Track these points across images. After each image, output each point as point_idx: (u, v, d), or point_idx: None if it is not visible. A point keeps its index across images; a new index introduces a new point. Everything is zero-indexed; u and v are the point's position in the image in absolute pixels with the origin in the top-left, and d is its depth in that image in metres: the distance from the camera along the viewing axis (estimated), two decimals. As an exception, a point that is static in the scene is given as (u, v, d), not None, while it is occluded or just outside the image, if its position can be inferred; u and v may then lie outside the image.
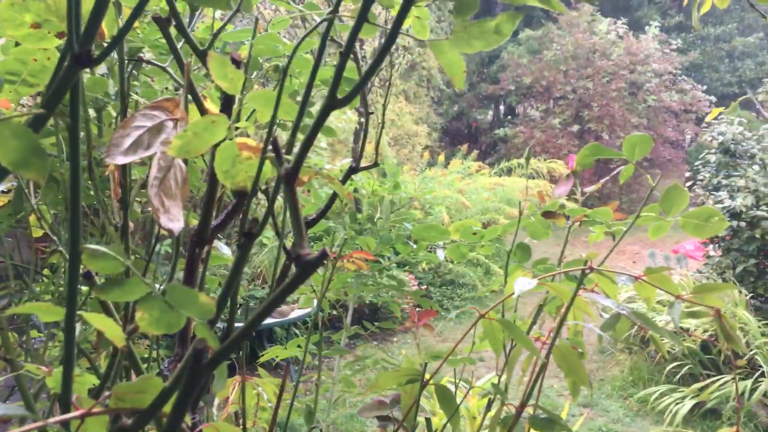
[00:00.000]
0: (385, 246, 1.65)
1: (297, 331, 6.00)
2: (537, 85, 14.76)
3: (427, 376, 0.96)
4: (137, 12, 0.49)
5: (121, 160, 0.51)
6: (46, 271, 1.27)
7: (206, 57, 0.71)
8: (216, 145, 0.56)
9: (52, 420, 0.40)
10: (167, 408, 0.51)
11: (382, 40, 0.53)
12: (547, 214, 1.09)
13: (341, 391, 2.06)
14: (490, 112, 17.78)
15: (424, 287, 7.60)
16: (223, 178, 0.53)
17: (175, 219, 0.50)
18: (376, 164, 1.16)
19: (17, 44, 0.77)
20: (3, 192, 1.29)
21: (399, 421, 0.95)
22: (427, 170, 10.36)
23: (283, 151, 0.51)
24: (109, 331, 0.53)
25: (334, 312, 1.89)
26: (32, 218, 1.34)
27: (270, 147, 0.50)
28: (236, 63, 0.68)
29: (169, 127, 0.52)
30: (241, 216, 0.69)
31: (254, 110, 0.83)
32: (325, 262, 1.26)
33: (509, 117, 17.14)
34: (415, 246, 1.65)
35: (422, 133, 12.87)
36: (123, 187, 0.83)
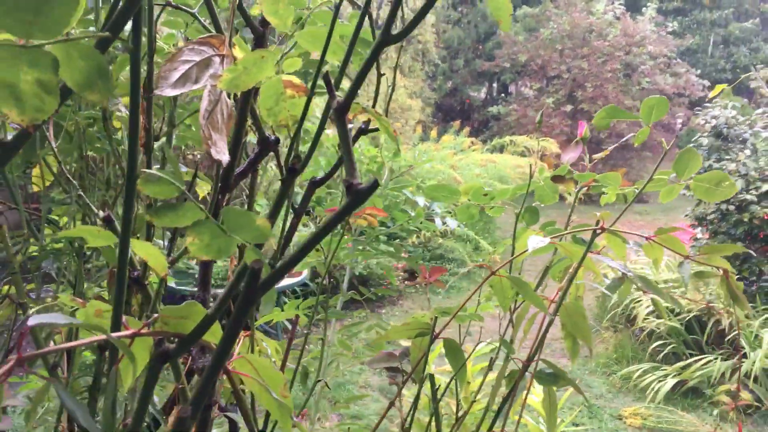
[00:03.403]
0: (386, 212, 1.67)
1: (285, 299, 6.04)
2: (532, 63, 14.74)
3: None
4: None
5: (170, 92, 0.52)
6: (64, 220, 1.28)
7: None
8: (249, 91, 0.57)
9: (115, 334, 0.42)
10: (209, 336, 0.53)
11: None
12: (557, 179, 1.11)
13: (334, 356, 2.09)
14: (484, 90, 17.74)
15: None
16: (266, 116, 0.55)
17: (222, 152, 0.51)
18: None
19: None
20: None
21: (408, 373, 0.98)
22: (419, 144, 10.36)
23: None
24: (152, 260, 0.55)
25: (331, 280, 1.90)
26: (36, 170, 1.35)
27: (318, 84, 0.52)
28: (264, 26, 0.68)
29: (217, 62, 0.53)
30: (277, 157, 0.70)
31: (284, 55, 0.84)
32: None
33: (503, 95, 17.12)
34: (413, 214, 1.67)
35: (416, 108, 12.85)
36: (148, 132, 0.84)
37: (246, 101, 0.69)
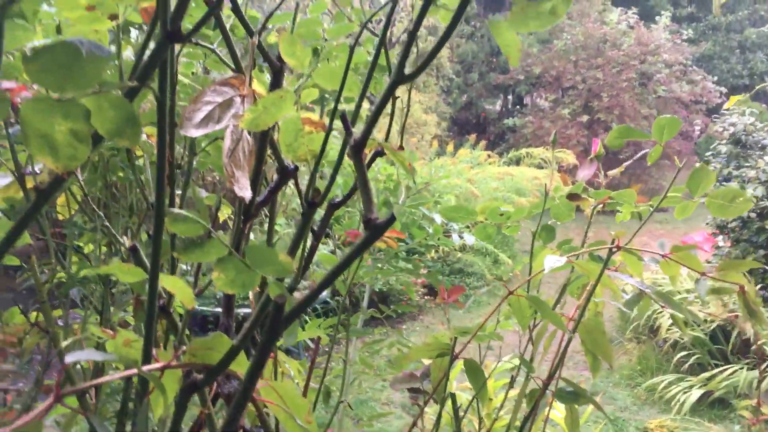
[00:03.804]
0: (403, 230, 1.69)
1: (306, 318, 6.05)
2: (546, 74, 14.73)
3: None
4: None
5: (194, 132, 0.55)
6: (89, 247, 1.31)
7: (256, 35, 0.75)
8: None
9: (146, 367, 0.44)
10: (235, 366, 0.55)
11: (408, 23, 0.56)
12: (572, 197, 1.13)
13: (356, 374, 2.10)
14: (499, 102, 17.75)
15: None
16: (286, 151, 0.57)
17: (244, 188, 0.53)
18: (401, 147, 1.19)
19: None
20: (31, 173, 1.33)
21: (429, 394, 0.99)
22: (436, 159, 10.38)
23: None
24: (179, 293, 0.57)
25: (351, 296, 1.92)
26: (61, 199, 1.38)
27: (332, 122, 0.54)
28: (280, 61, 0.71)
29: (238, 102, 0.56)
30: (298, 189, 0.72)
31: (298, 88, 0.86)
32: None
33: (518, 107, 17.11)
34: (431, 231, 1.68)
35: (431, 123, 12.88)
36: (171, 164, 0.87)
37: (265, 136, 0.72)
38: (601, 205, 1.15)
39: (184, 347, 0.50)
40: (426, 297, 7.37)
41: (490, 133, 16.11)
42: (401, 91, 1.04)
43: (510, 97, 17.84)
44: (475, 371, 1.00)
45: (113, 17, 0.84)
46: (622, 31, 14.20)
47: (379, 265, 2.13)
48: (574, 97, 14.33)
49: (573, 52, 14.40)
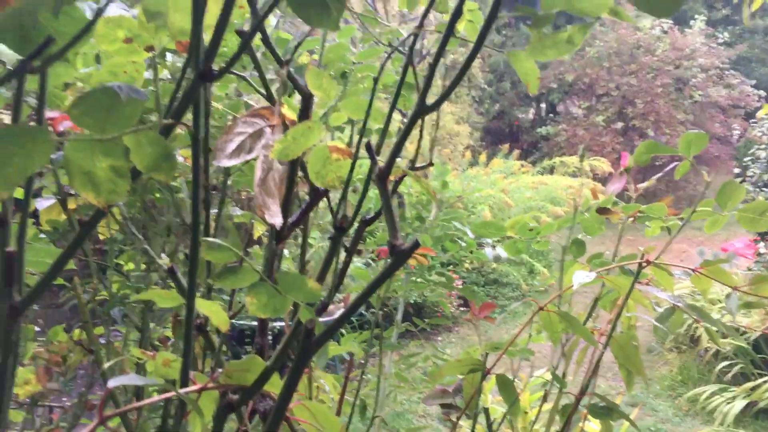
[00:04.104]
0: (436, 244, 1.70)
1: (342, 331, 6.08)
2: (579, 82, 14.62)
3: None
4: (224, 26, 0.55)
5: (226, 162, 0.57)
6: (130, 266, 1.35)
7: (285, 65, 0.77)
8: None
9: (182, 390, 0.46)
10: (269, 387, 0.57)
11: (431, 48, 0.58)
12: (602, 210, 1.13)
13: (392, 387, 2.11)
14: (532, 111, 17.65)
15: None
16: (314, 178, 0.59)
17: (275, 215, 0.55)
18: (431, 164, 1.21)
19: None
20: (73, 194, 1.37)
21: (462, 409, 1.00)
22: (468, 170, 10.36)
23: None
24: (215, 317, 0.59)
25: (385, 309, 1.93)
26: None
27: (357, 150, 0.56)
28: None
29: (268, 132, 0.58)
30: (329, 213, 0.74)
31: (326, 114, 0.89)
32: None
33: (551, 115, 16.99)
34: (464, 244, 1.69)
35: (463, 133, 12.87)
36: (206, 189, 0.90)
37: (294, 162, 0.74)
38: (631, 218, 1.15)
39: (221, 369, 0.52)
40: (461, 308, 7.34)
41: (523, 142, 16.02)
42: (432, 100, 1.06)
43: (543, 105, 17.73)
44: (507, 387, 1.01)
45: (149, 49, 0.88)
46: (656, 36, 14.04)
47: (413, 279, 2.14)
48: (608, 104, 14.19)
49: (606, 58, 14.27)
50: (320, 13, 0.40)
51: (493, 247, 1.52)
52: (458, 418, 1.01)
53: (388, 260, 1.46)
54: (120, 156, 0.45)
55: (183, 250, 1.43)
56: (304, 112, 0.78)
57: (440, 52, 0.48)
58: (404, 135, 0.50)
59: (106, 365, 0.94)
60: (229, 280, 0.50)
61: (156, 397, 0.45)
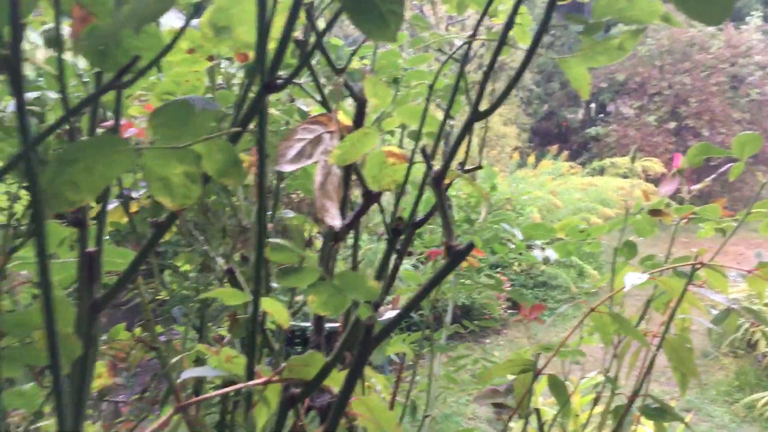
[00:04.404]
0: (485, 246, 1.71)
1: (391, 333, 6.10)
2: (631, 81, 14.36)
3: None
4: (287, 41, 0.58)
5: (287, 167, 0.60)
6: (187, 267, 1.40)
7: (341, 73, 0.80)
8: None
9: (251, 383, 0.49)
10: (328, 381, 0.60)
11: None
12: (654, 212, 1.12)
13: (441, 388, 2.12)
14: (581, 111, 17.41)
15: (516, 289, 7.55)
16: (371, 182, 0.61)
17: (335, 217, 0.58)
18: (480, 167, 1.22)
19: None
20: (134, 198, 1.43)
21: (513, 409, 1.01)
22: (516, 171, 10.29)
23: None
24: (276, 314, 0.62)
25: (434, 310, 1.95)
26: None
27: (412, 155, 0.58)
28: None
29: (327, 138, 0.61)
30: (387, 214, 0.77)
31: (379, 119, 0.91)
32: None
33: (601, 115, 16.73)
34: (513, 246, 1.70)
35: (511, 134, 12.78)
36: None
37: (349, 167, 0.77)
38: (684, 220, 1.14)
39: (284, 364, 0.55)
40: (509, 311, 7.29)
41: (572, 143, 15.81)
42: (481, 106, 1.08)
43: (592, 105, 17.46)
44: (558, 387, 1.02)
45: (210, 59, 0.92)
46: (711, 33, 13.69)
47: (462, 281, 2.15)
48: (660, 104, 13.90)
49: (658, 57, 13.99)
50: (380, 26, 0.42)
51: (543, 249, 1.53)
52: (510, 418, 1.02)
53: (438, 262, 1.48)
54: (193, 163, 0.48)
55: (238, 252, 1.47)
56: (359, 118, 0.81)
57: (494, 60, 0.50)
58: (458, 140, 0.52)
59: (173, 360, 0.98)
60: (291, 279, 0.53)
61: (230, 387, 0.48)
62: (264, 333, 0.95)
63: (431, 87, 0.61)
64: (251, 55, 0.93)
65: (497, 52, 0.50)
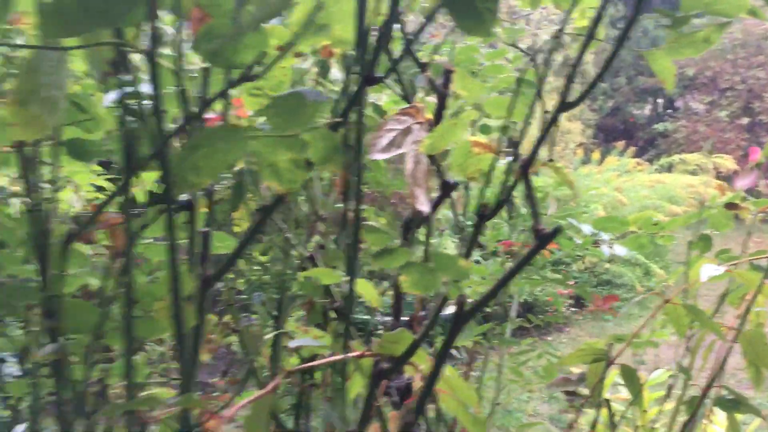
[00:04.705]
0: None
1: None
2: (701, 76, 13.93)
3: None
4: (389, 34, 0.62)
5: (379, 156, 0.64)
6: (264, 258, 1.46)
7: (426, 68, 0.84)
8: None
9: (350, 355, 0.53)
10: (415, 358, 0.63)
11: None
12: (730, 206, 1.12)
13: (506, 382, 2.13)
14: (648, 107, 16.98)
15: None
16: (457, 170, 0.65)
17: (424, 204, 0.62)
18: (551, 160, 1.24)
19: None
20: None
21: (585, 397, 1.03)
22: (581, 168, 10.13)
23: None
24: (367, 295, 0.66)
25: (498, 305, 1.96)
26: (238, 213, 1.54)
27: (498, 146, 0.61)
28: (449, 72, 0.79)
29: (416, 129, 0.64)
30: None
31: (456, 113, 0.94)
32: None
33: (669, 111, 16.29)
34: (579, 242, 1.70)
35: (575, 130, 12.57)
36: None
37: (430, 158, 0.80)
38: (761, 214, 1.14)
39: (374, 341, 0.59)
40: (572, 309, 7.20)
41: (638, 139, 15.43)
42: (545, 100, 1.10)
43: (660, 101, 17.01)
44: (631, 378, 1.03)
45: (299, 55, 0.97)
46: (787, 25, 13.17)
47: (527, 276, 2.16)
48: (732, 99, 13.45)
49: (731, 50, 13.53)
50: (477, 22, 0.45)
51: (610, 246, 1.52)
52: (582, 405, 1.04)
53: (507, 255, 1.49)
54: (299, 150, 0.53)
55: (313, 240, 1.52)
56: (439, 111, 0.84)
57: (580, 55, 0.52)
58: (546, 131, 0.55)
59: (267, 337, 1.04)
60: (385, 260, 0.56)
61: (333, 358, 0.53)
62: (346, 317, 0.99)
63: (519, 81, 0.64)
64: (338, 51, 0.98)
65: (585, 46, 0.52)
